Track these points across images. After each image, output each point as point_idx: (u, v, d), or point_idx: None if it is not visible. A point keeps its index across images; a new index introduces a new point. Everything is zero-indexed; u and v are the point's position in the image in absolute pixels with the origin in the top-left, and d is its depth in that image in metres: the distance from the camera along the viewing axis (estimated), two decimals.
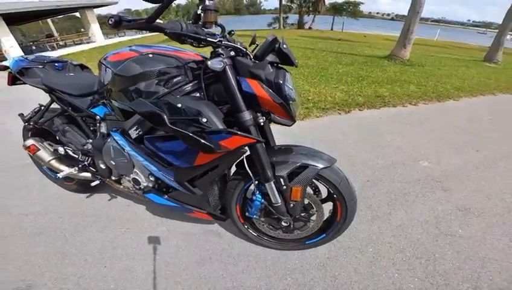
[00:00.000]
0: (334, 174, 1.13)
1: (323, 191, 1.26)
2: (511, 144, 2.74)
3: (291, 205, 1.14)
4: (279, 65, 0.98)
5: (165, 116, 0.89)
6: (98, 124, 1.33)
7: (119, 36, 17.73)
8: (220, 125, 0.91)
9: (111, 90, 1.10)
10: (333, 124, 3.09)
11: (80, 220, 1.65)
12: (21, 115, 1.62)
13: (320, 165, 1.06)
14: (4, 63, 1.58)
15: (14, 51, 10.28)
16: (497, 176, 2.17)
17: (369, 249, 1.45)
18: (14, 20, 12.05)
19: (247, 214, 1.25)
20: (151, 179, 1.26)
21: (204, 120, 0.89)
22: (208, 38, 0.87)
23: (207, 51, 1.10)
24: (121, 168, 1.28)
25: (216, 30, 1.01)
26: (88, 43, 13.68)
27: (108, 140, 1.26)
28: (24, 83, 1.57)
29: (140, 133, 1.08)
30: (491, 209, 1.78)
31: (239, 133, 0.90)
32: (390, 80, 4.93)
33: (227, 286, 1.25)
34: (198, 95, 1.01)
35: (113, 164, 1.27)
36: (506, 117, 3.58)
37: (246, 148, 1.04)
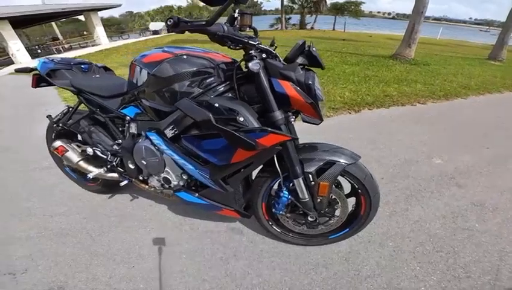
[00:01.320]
0: (359, 170, 1.17)
1: (346, 187, 1.30)
2: None
3: (319, 200, 1.19)
4: (307, 67, 1.03)
5: (211, 115, 0.94)
6: (127, 125, 1.37)
7: (123, 39, 17.88)
8: (256, 124, 0.96)
9: (145, 91, 1.14)
10: (344, 124, 3.13)
11: (104, 220, 1.69)
12: (49, 116, 1.66)
13: (347, 161, 1.11)
14: (30, 66, 1.62)
15: (20, 55, 10.40)
16: (508, 173, 2.20)
17: (389, 243, 1.49)
18: (19, 23, 12.20)
19: (273, 210, 1.29)
20: (184, 177, 1.30)
21: (242, 119, 0.94)
22: (250, 42, 0.93)
23: (230, 53, 1.15)
24: (152, 167, 1.32)
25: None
26: (93, 45, 13.82)
27: (140, 140, 1.31)
28: (48, 85, 1.61)
29: (176, 132, 1.11)
30: (505, 205, 1.81)
31: (275, 131, 0.95)
32: (397, 79, 4.95)
33: (253, 283, 1.29)
34: (230, 95, 1.07)
35: (144, 163, 1.31)
36: None
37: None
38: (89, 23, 14.48)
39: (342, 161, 1.11)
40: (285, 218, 1.33)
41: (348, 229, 1.36)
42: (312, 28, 25.69)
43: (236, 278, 1.31)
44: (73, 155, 1.57)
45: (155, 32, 20.47)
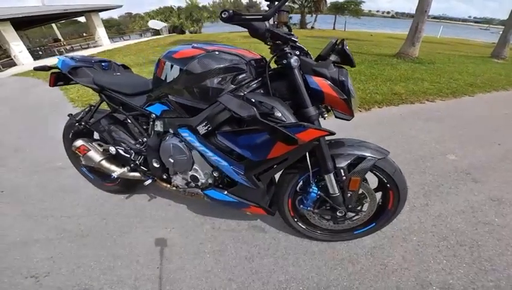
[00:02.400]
0: (389, 164, 1.19)
1: (371, 181, 1.30)
2: None
3: (349, 195, 1.20)
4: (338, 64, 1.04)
5: (255, 110, 0.94)
6: (151, 123, 1.36)
7: (125, 40, 17.88)
8: (293, 119, 0.97)
9: (175, 87, 1.13)
10: (356, 122, 3.09)
11: (124, 221, 1.68)
12: (70, 115, 1.65)
13: (377, 156, 1.13)
14: (48, 64, 1.60)
15: (23, 56, 10.38)
16: None
17: (413, 237, 1.49)
18: (20, 25, 12.18)
19: (301, 206, 1.29)
20: (214, 174, 1.30)
21: (279, 114, 0.95)
22: (293, 38, 0.95)
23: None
24: (179, 165, 1.32)
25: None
26: (95, 46, 13.80)
27: (167, 138, 1.30)
28: (65, 84, 1.61)
29: (209, 128, 1.10)
30: None
31: (314, 126, 0.95)
32: (403, 77, 4.95)
33: (280, 279, 1.29)
34: (262, 91, 1.07)
35: (172, 161, 1.31)
36: None
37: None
38: (90, 24, 14.44)
39: (372, 155, 1.13)
40: (312, 214, 1.33)
41: (374, 224, 1.36)
42: (312, 27, 25.70)
43: (263, 276, 1.31)
44: (95, 154, 1.56)
45: (156, 33, 20.44)
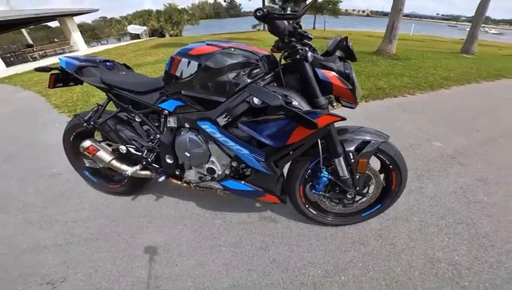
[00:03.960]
0: (390, 147, 1.31)
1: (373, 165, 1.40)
2: (503, 124, 3.07)
3: (357, 176, 1.30)
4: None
5: (281, 97, 1.02)
6: (163, 119, 1.38)
7: (102, 44, 17.26)
8: (308, 108, 1.07)
9: (193, 82, 1.17)
10: (347, 115, 3.25)
11: (133, 222, 1.67)
12: (77, 115, 1.62)
13: (380, 140, 1.25)
14: (49, 65, 1.57)
15: None
16: (500, 151, 2.43)
17: (414, 218, 1.61)
18: None
19: (313, 191, 1.37)
20: (233, 164, 1.34)
21: (296, 103, 1.05)
22: (309, 35, 1.05)
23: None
24: (196, 159, 1.34)
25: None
26: (70, 52, 13.20)
27: (182, 132, 1.33)
28: (64, 86, 1.58)
29: (229, 119, 1.16)
30: (504, 180, 2.00)
31: (328, 112, 1.05)
32: (384, 73, 5.21)
33: (297, 266, 1.35)
34: (275, 84, 1.15)
35: (188, 155, 1.33)
36: (494, 102, 3.92)
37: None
38: (64, 29, 13.79)
39: (376, 139, 1.25)
40: (323, 199, 1.42)
41: (380, 205, 1.47)
42: None
43: (281, 263, 1.36)
44: (105, 154, 1.54)
45: (135, 37, 19.88)
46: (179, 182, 1.55)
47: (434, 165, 2.19)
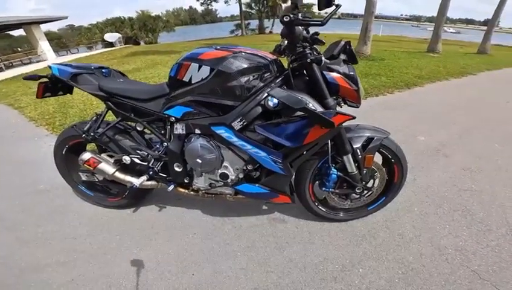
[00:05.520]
0: (391, 142, 1.41)
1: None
2: (476, 117, 3.37)
3: (364, 171, 1.38)
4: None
5: (303, 99, 1.06)
6: (169, 127, 1.35)
7: (72, 53, 16.34)
8: (321, 108, 1.12)
9: (205, 87, 1.17)
10: None
11: (139, 234, 1.60)
12: (74, 126, 1.53)
13: (383, 136, 1.34)
14: (39, 73, 1.47)
15: None
16: (477, 142, 2.67)
17: (414, 208, 1.71)
18: None
19: (323, 189, 1.43)
20: (248, 167, 1.34)
21: (310, 105, 1.10)
22: (322, 40, 1.14)
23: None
24: (208, 165, 1.32)
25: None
26: (38, 62, 12.35)
27: (192, 139, 1.31)
28: (52, 95, 1.52)
29: (244, 123, 1.17)
30: (486, 167, 2.20)
31: (341, 112, 1.11)
32: (363, 74, 5.48)
33: (314, 263, 1.37)
34: (285, 87, 1.20)
35: (200, 162, 1.31)
36: (465, 97, 4.30)
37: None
38: (30, 38, 12.90)
39: (379, 135, 1.34)
40: (332, 195, 1.47)
41: (384, 197, 1.55)
42: (271, 32, 26.63)
43: (298, 262, 1.38)
44: (107, 166, 1.47)
45: (108, 45, 19.06)
46: (186, 191, 1.52)
47: (422, 157, 2.34)
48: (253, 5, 26.20)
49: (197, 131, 1.29)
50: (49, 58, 12.85)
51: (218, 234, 1.58)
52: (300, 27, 1.07)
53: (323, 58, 1.09)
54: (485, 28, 11.65)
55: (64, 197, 1.94)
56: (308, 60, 1.11)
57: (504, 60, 8.88)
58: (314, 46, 1.17)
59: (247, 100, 1.16)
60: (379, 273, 1.29)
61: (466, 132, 2.88)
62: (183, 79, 1.21)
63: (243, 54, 1.16)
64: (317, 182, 1.48)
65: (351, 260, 1.37)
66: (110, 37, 19.85)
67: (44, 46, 13.03)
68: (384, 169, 1.48)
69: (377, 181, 1.50)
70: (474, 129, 2.97)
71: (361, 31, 7.66)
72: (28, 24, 12.42)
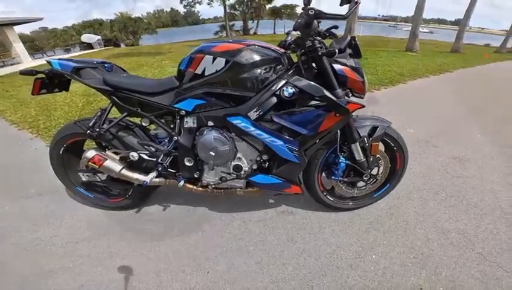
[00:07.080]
0: (393, 131, 1.48)
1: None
2: (458, 110, 3.60)
3: (371, 159, 1.45)
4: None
5: (322, 87, 1.11)
6: (178, 121, 1.34)
7: (48, 56, 15.55)
8: (333, 97, 1.16)
9: (221, 79, 1.18)
10: None
11: (146, 235, 1.56)
12: (78, 122, 1.46)
13: (386, 125, 1.42)
14: (34, 67, 1.40)
15: None
16: (462, 133, 2.84)
17: (414, 195, 1.80)
18: None
19: (332, 177, 1.47)
20: (263, 157, 1.37)
21: (327, 93, 1.15)
22: (336, 34, 1.20)
23: None
24: (222, 157, 1.32)
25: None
26: (12, 64, 11.59)
27: (204, 132, 1.30)
28: (48, 93, 1.45)
29: (260, 113, 1.20)
30: (473, 155, 2.34)
31: (352, 100, 1.18)
32: None
33: (328, 251, 1.40)
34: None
35: (213, 154, 1.30)
36: (446, 92, 4.56)
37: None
38: (4, 40, 12.09)
39: (383, 124, 1.42)
40: (340, 184, 1.52)
41: (388, 185, 1.62)
42: (255, 33, 26.79)
43: (312, 252, 1.41)
44: (114, 164, 1.41)
45: (87, 47, 18.27)
46: (194, 187, 1.50)
47: (414, 148, 2.45)
48: (237, 6, 26.22)
49: (210, 123, 1.29)
50: (23, 61, 12.16)
51: (229, 230, 1.58)
52: (315, 21, 1.10)
53: (336, 50, 1.12)
54: (456, 27, 12.38)
55: (58, 200, 1.84)
56: (320, 53, 1.14)
57: (476, 58, 9.48)
58: (322, 40, 1.21)
59: (262, 91, 1.19)
60: (392, 259, 1.34)
61: (451, 124, 3.07)
62: (196, 71, 1.21)
63: (257, 47, 1.18)
64: (324, 172, 1.52)
65: (362, 247, 1.42)
66: (88, 38, 19.02)
67: (18, 49, 12.31)
68: (387, 156, 1.55)
69: (381, 168, 1.57)
70: (458, 121, 3.17)
71: (345, 32, 7.95)
72: (1, 26, 11.67)
